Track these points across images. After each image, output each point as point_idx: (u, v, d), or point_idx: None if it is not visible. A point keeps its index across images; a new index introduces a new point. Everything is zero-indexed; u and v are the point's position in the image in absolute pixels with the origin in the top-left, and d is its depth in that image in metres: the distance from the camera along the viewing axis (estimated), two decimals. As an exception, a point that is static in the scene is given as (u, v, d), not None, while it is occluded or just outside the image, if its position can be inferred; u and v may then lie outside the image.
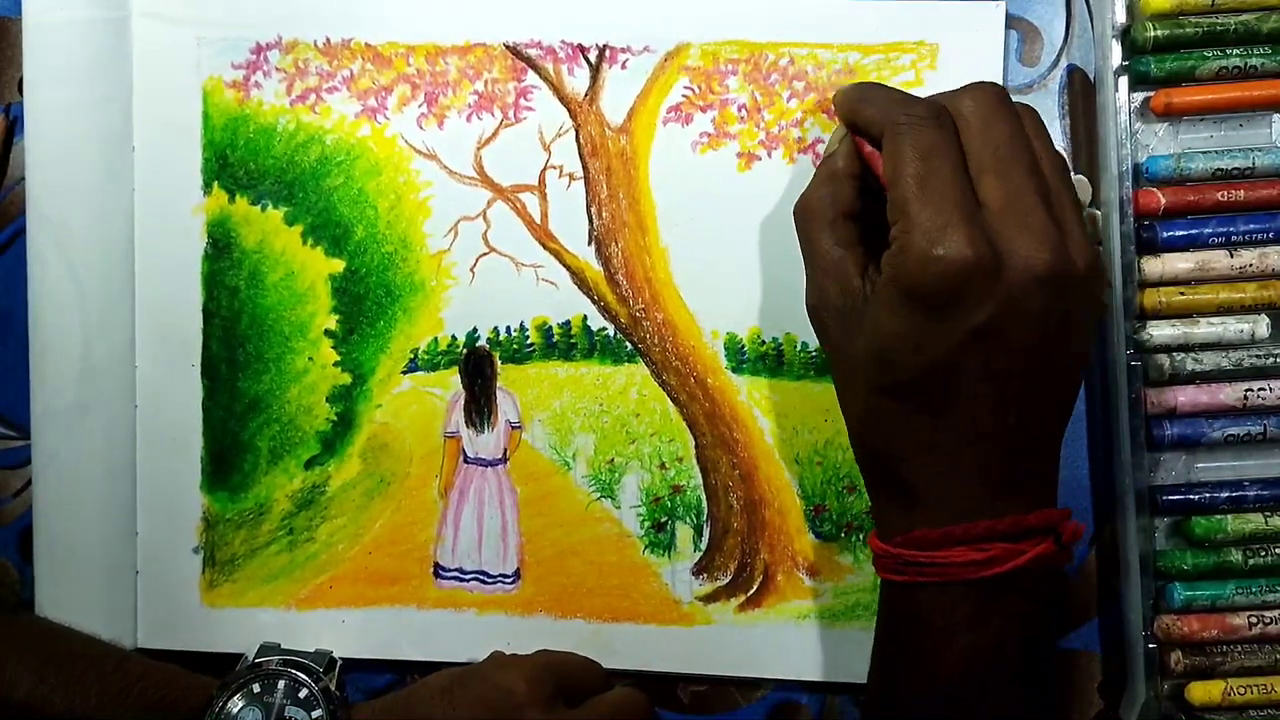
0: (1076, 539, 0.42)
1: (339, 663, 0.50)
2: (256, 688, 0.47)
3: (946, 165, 0.40)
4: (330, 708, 0.47)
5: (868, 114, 0.43)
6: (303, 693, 0.47)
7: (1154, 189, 0.49)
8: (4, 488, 0.55)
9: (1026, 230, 0.39)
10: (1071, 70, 0.52)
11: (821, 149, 0.51)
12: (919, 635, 0.42)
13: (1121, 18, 0.50)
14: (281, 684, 0.47)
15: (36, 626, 0.50)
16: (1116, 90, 0.50)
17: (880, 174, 0.42)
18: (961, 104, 0.41)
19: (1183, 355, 0.49)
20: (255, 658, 0.48)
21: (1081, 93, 0.52)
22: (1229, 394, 0.49)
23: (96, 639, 0.51)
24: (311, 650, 0.50)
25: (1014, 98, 0.51)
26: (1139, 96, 0.50)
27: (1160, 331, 0.49)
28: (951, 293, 0.39)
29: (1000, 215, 0.40)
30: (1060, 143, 0.52)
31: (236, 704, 0.46)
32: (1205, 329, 0.49)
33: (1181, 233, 0.49)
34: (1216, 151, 0.49)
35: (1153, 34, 0.49)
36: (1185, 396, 0.49)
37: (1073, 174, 0.44)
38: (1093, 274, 0.41)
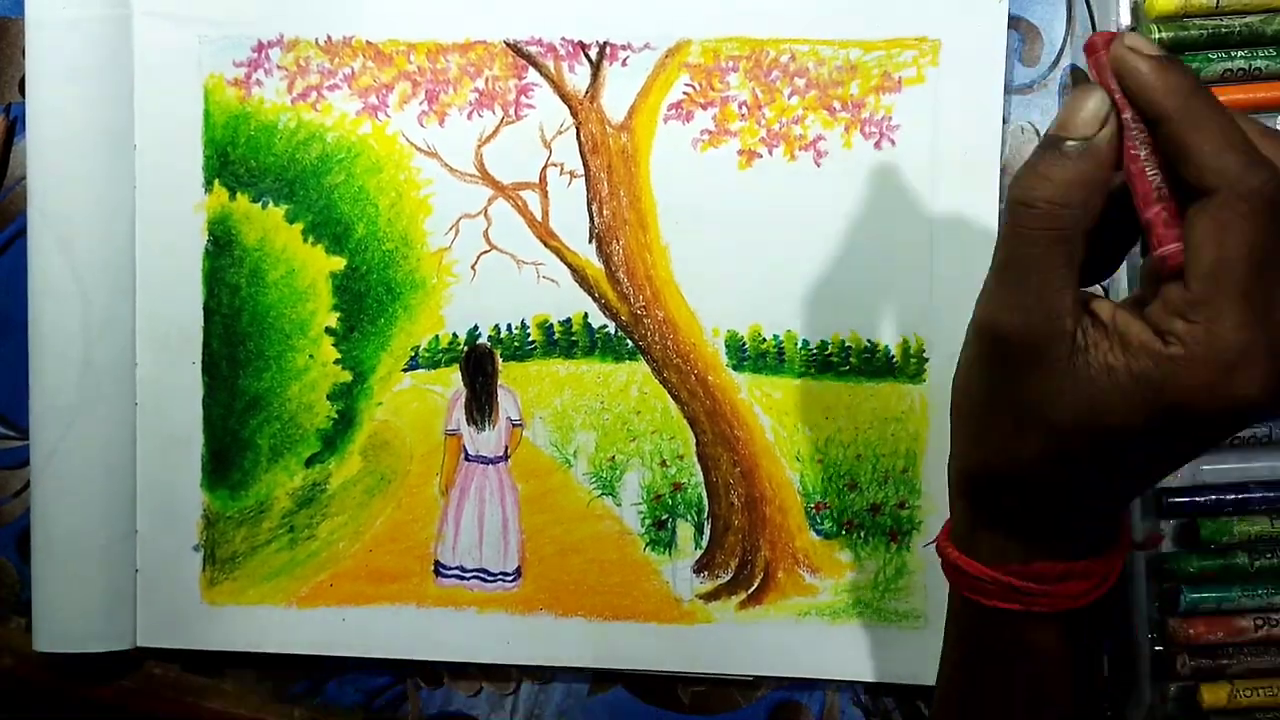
0: (1156, 545, 0.43)
1: None
2: None
3: (1273, 279, 0.32)
4: None
5: (1197, 144, 0.32)
6: None
7: None
8: (4, 488, 0.55)
9: None
10: (1072, 70, 0.52)
11: (823, 146, 0.51)
12: (1022, 662, 0.40)
13: (1126, 20, 0.50)
14: None
15: None
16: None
17: (1144, 206, 0.33)
18: None
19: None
20: None
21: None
22: None
23: None
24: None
25: (1014, 98, 0.51)
26: None
27: None
28: (1229, 430, 0.33)
29: None
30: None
31: None
32: None
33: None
34: (1223, 154, 0.49)
35: (1157, 36, 0.49)
36: None
37: None
38: None
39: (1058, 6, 0.52)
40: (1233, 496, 0.50)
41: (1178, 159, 0.32)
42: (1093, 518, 0.38)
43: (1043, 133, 0.51)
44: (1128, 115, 0.33)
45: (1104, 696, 0.44)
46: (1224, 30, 0.49)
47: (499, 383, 0.53)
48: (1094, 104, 0.34)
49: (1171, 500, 0.50)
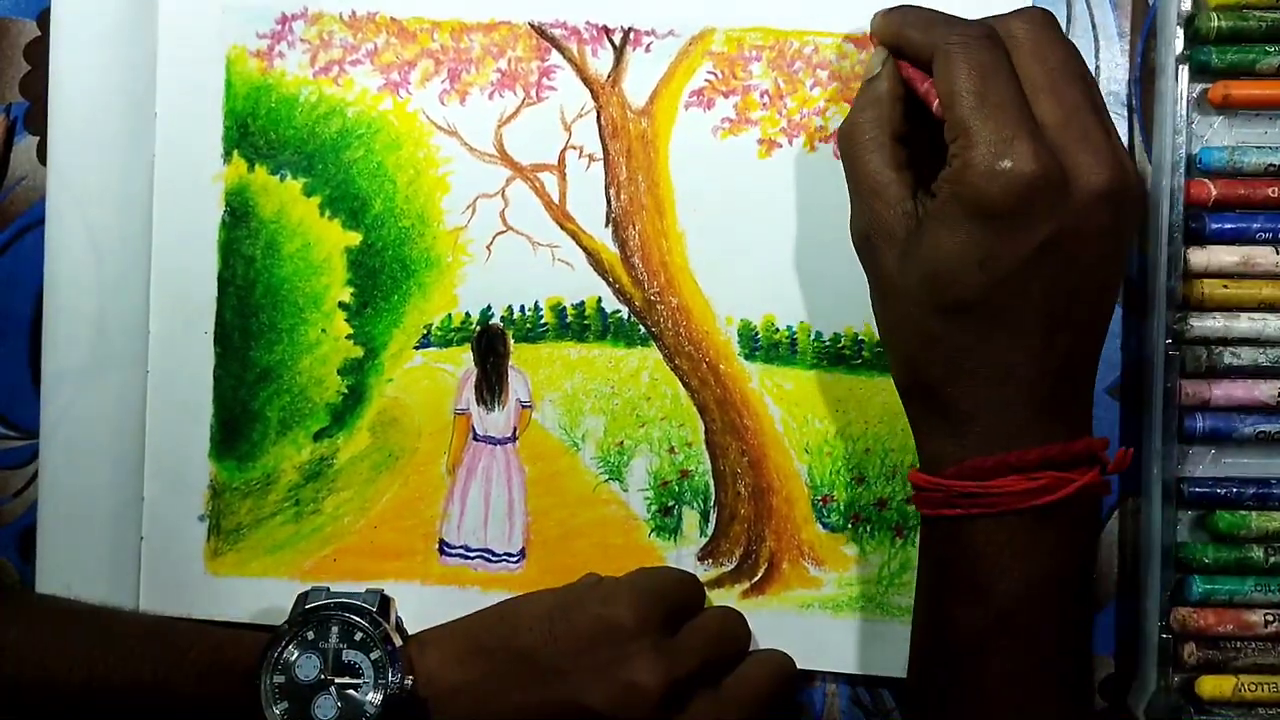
0: (1122, 468, 0.42)
1: (393, 601, 0.48)
2: (310, 634, 0.45)
3: (1004, 82, 0.40)
4: (388, 649, 0.45)
5: (913, 36, 0.43)
6: (358, 635, 0.45)
7: (1205, 180, 0.50)
8: (4, 488, 0.55)
9: (1088, 147, 0.40)
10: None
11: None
12: (972, 570, 0.41)
13: (1187, 5, 0.50)
14: (335, 628, 0.45)
15: (75, 610, 0.49)
16: (1176, 79, 0.49)
17: (924, 95, 0.43)
18: (1012, 26, 0.42)
19: (1221, 349, 0.50)
20: (307, 604, 0.47)
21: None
22: (1264, 391, 0.50)
23: (139, 614, 0.50)
24: (362, 590, 0.48)
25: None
26: (1197, 87, 0.50)
27: (1201, 323, 0.49)
28: (1019, 205, 0.39)
29: (1060, 132, 0.40)
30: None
31: (293, 653, 0.45)
32: (1246, 324, 0.49)
33: (1230, 226, 0.49)
34: (1271, 147, 0.50)
35: (1216, 25, 0.49)
36: (1220, 390, 0.50)
37: None
38: (1141, 192, 0.42)
39: (1058, 6, 0.52)
40: (1253, 491, 0.50)
41: (915, 53, 0.43)
42: (1002, 394, 0.41)
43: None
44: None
45: (1085, 648, 0.44)
46: (1283, 24, 0.49)
47: (510, 364, 0.53)
48: (875, 56, 0.45)
49: (1192, 490, 0.50)
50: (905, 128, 0.44)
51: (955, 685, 0.43)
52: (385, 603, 0.47)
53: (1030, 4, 0.48)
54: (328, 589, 0.48)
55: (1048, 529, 0.41)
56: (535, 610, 0.47)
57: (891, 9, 0.45)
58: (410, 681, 0.45)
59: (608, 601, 0.46)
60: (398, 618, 0.48)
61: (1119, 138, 0.41)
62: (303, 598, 0.48)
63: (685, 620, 0.48)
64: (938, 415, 0.43)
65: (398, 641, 0.46)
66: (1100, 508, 0.44)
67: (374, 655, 0.45)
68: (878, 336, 0.51)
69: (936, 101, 0.42)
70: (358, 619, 0.46)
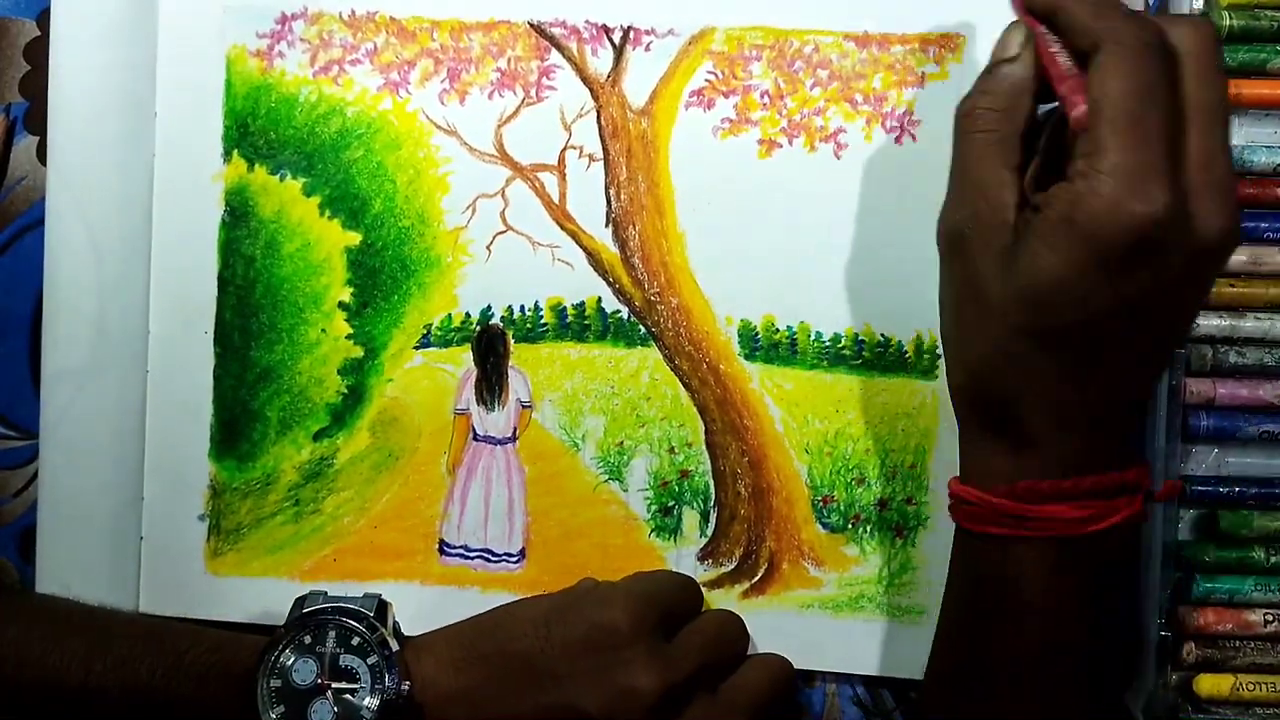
0: (1171, 498, 0.42)
1: (391, 606, 0.47)
2: (307, 638, 0.45)
3: (1163, 109, 0.36)
4: (384, 654, 0.45)
5: (1077, 16, 0.38)
6: (355, 640, 0.45)
7: None
8: (4, 488, 0.55)
9: (1218, 194, 0.37)
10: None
11: (844, 139, 0.51)
12: (1015, 591, 0.41)
13: (1199, 4, 0.50)
14: (331, 632, 0.45)
15: (73, 611, 0.49)
16: None
17: (1062, 96, 0.38)
18: (1183, 37, 0.38)
19: (1226, 348, 0.50)
20: (304, 608, 0.47)
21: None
22: (1269, 391, 0.50)
23: (138, 616, 0.50)
24: (360, 595, 0.48)
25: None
26: None
27: (1207, 322, 0.49)
28: (1137, 249, 0.36)
29: (1198, 173, 0.37)
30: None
31: (289, 657, 0.45)
32: (1252, 324, 0.49)
33: None
34: (1281, 148, 0.50)
35: (1228, 24, 0.49)
36: (1225, 389, 0.50)
37: None
38: (1235, 242, 0.39)
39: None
40: (1256, 491, 0.50)
41: (1071, 35, 0.38)
42: (1069, 421, 0.39)
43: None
44: (1042, 30, 0.39)
45: (1114, 666, 0.44)
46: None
47: (510, 364, 0.53)
48: (1013, 33, 0.40)
49: (1194, 488, 0.50)
50: (1030, 123, 0.40)
51: (989, 701, 0.42)
52: (383, 607, 0.47)
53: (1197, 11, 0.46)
54: (325, 593, 0.48)
55: (1092, 553, 0.40)
56: (531, 615, 0.47)
57: None
58: (407, 686, 0.45)
59: (603, 606, 0.46)
60: (395, 622, 0.48)
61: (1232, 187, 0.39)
62: (300, 602, 0.47)
63: (682, 624, 0.48)
64: (997, 431, 0.41)
65: (394, 646, 0.45)
66: (1139, 531, 0.44)
67: (371, 660, 0.45)
68: (878, 337, 0.51)
69: (1079, 109, 0.38)
70: (355, 624, 0.46)
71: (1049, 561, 0.40)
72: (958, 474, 0.43)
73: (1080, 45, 0.38)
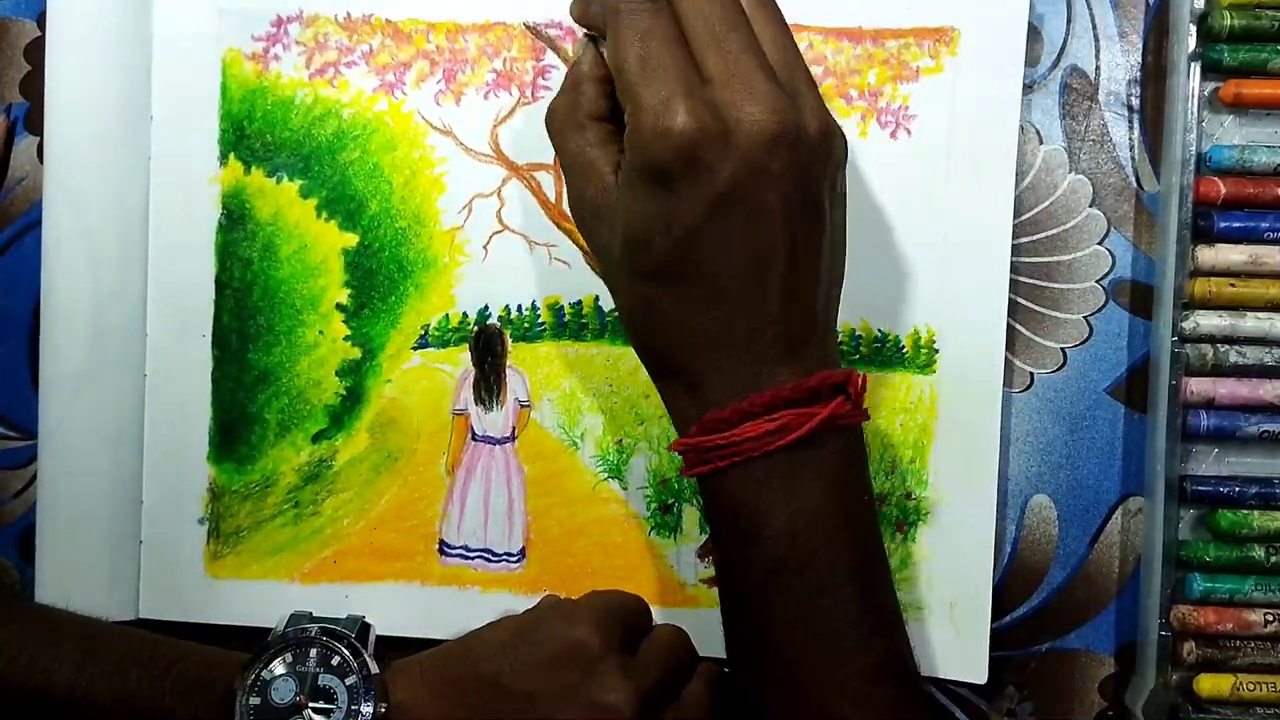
0: (863, 390, 0.42)
1: (373, 628, 0.48)
2: (289, 656, 0.45)
3: (664, 44, 0.41)
4: (363, 675, 0.45)
5: (592, 11, 0.44)
6: (335, 660, 0.45)
7: (1215, 178, 0.50)
8: (4, 488, 0.55)
9: (751, 97, 0.40)
10: (1071, 70, 0.52)
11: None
12: (737, 520, 0.42)
13: (1200, 3, 0.50)
14: (314, 651, 0.46)
15: (65, 619, 0.48)
16: (1188, 77, 0.50)
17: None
18: None
19: (1226, 347, 0.50)
20: (285, 626, 0.47)
21: (1081, 93, 0.52)
22: (1269, 390, 0.50)
23: (129, 629, 0.50)
24: (344, 616, 0.48)
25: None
26: (1209, 85, 0.50)
27: (1207, 321, 0.50)
28: (683, 163, 0.40)
29: (722, 86, 0.40)
30: (1060, 142, 0.52)
31: (270, 673, 0.45)
32: (1252, 323, 0.50)
33: (1238, 224, 0.50)
34: (1282, 147, 0.50)
35: (1229, 23, 0.49)
36: (1225, 389, 0.50)
37: None
38: (828, 132, 0.41)
39: (1058, 6, 0.52)
40: (1256, 490, 0.50)
41: (599, 31, 0.44)
42: (718, 348, 0.41)
43: (1044, 135, 0.52)
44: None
45: (886, 583, 0.44)
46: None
47: (508, 363, 0.53)
48: (580, 40, 0.46)
49: (1194, 488, 0.50)
50: (608, 106, 0.44)
51: (744, 632, 0.43)
52: (365, 630, 0.47)
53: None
54: (310, 613, 0.48)
55: (804, 466, 0.41)
56: (498, 637, 0.46)
57: None
58: (384, 709, 0.45)
59: (570, 623, 0.46)
60: (378, 647, 0.48)
61: (802, 85, 0.42)
62: (283, 620, 0.48)
63: (639, 640, 0.48)
64: (671, 378, 0.43)
65: (374, 669, 0.46)
66: (860, 437, 0.43)
67: (349, 681, 0.45)
68: (876, 332, 0.51)
69: None
70: (336, 644, 0.46)
71: (762, 481, 0.41)
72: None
73: (599, 28, 0.43)
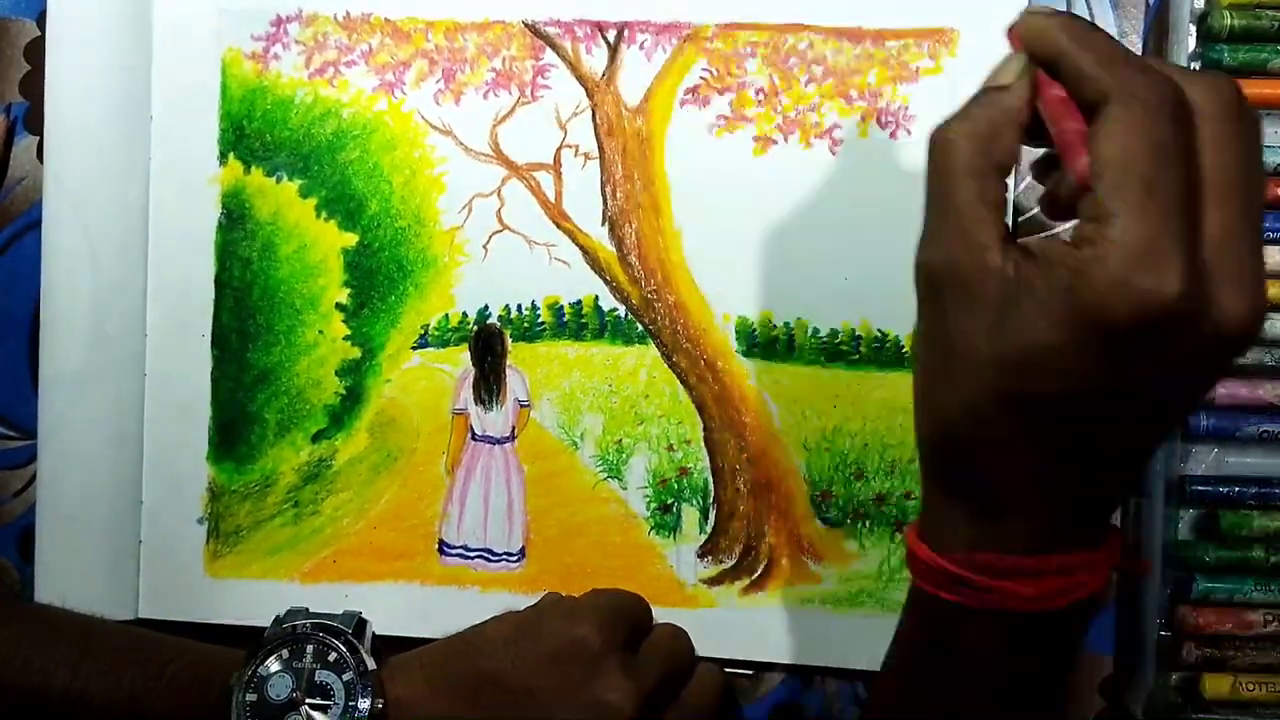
0: (1142, 574, 0.40)
1: (370, 624, 0.48)
2: (285, 653, 0.46)
3: (1180, 176, 0.32)
4: (360, 671, 0.45)
5: (1084, 65, 0.34)
6: (332, 656, 0.46)
7: None
8: (4, 488, 0.55)
9: (1239, 276, 0.33)
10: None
11: (839, 134, 0.51)
12: (963, 657, 0.38)
13: (1200, 3, 0.50)
14: (310, 648, 0.46)
15: (61, 618, 0.49)
16: None
17: (1060, 142, 0.34)
18: (1200, 96, 0.33)
19: (1227, 348, 0.50)
20: (283, 622, 0.47)
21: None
22: (1269, 390, 0.50)
23: (126, 627, 0.50)
24: (340, 612, 0.48)
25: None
26: None
27: None
28: (1137, 330, 0.32)
29: (1217, 251, 0.33)
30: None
31: (267, 669, 0.45)
32: None
33: None
34: (1281, 147, 0.50)
35: (1229, 23, 0.49)
36: (1224, 389, 0.50)
37: None
38: (1255, 332, 0.34)
39: (1058, 6, 0.52)
40: (1256, 490, 0.50)
41: (1076, 84, 0.34)
42: (1041, 496, 0.36)
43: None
44: (1041, 72, 0.35)
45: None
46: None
47: (507, 363, 0.53)
48: (1010, 61, 0.36)
49: (1194, 488, 0.50)
50: (1018, 161, 0.36)
51: None
52: (361, 625, 0.47)
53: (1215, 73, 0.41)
54: (306, 609, 0.48)
55: (1049, 628, 0.37)
56: (500, 632, 0.46)
57: (1058, 14, 0.35)
58: (380, 705, 0.45)
59: (571, 620, 0.46)
60: (375, 643, 0.48)
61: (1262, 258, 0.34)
62: (280, 617, 0.48)
63: (640, 639, 0.48)
64: (961, 494, 0.37)
65: (370, 665, 0.46)
66: (1097, 602, 0.41)
67: (346, 677, 0.45)
68: (875, 332, 0.51)
69: (1082, 160, 0.33)
70: (333, 640, 0.46)
71: (1002, 635, 0.37)
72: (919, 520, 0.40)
73: (1085, 96, 0.34)
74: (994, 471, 0.36)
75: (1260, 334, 0.38)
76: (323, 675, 0.45)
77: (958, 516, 0.37)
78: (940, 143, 0.36)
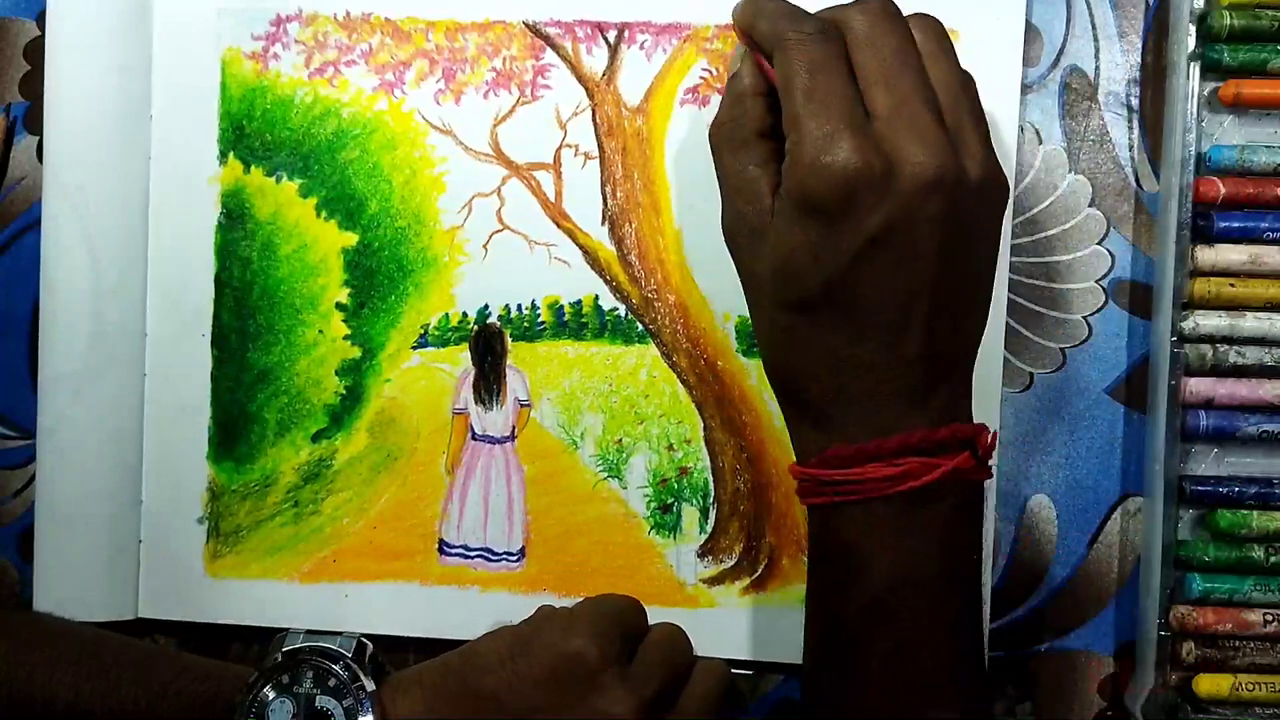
0: (991, 449, 0.42)
1: (369, 647, 0.48)
2: (286, 678, 0.46)
3: (833, 77, 0.40)
4: (360, 696, 0.45)
5: (761, 29, 0.43)
6: (332, 681, 0.46)
7: (1215, 178, 0.50)
8: (4, 488, 0.55)
9: (914, 137, 0.40)
10: (1071, 70, 0.52)
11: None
12: (845, 557, 0.42)
13: (1199, 3, 0.50)
14: (310, 673, 0.46)
15: (65, 632, 0.48)
16: (1187, 77, 0.50)
17: (777, 85, 0.42)
18: (849, 18, 0.42)
19: (1226, 347, 0.50)
20: (285, 645, 0.47)
21: (1080, 93, 0.52)
22: (1268, 390, 0.50)
23: (129, 640, 0.50)
24: (340, 633, 0.48)
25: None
26: (1208, 85, 0.50)
27: (1206, 321, 0.50)
28: (842, 200, 0.39)
29: (888, 124, 0.40)
30: (1059, 142, 0.52)
31: (268, 695, 0.46)
32: (1251, 323, 0.49)
33: (1238, 224, 0.50)
34: (1281, 147, 0.50)
35: (1229, 23, 0.49)
36: (1224, 389, 0.50)
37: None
38: (990, 181, 0.41)
39: (1058, 6, 0.52)
40: (1255, 490, 0.50)
41: (765, 47, 0.43)
42: (853, 386, 0.41)
43: (1043, 135, 0.52)
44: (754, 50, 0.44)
45: (978, 637, 0.44)
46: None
47: (508, 363, 0.53)
48: (738, 51, 0.45)
49: (1193, 488, 0.50)
50: (770, 122, 0.43)
51: (836, 671, 0.43)
52: (361, 648, 0.47)
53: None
54: (304, 632, 0.48)
55: (918, 515, 0.41)
56: (495, 649, 0.46)
57: (745, 0, 0.44)
58: None
59: (567, 634, 0.46)
60: (378, 660, 0.48)
61: (967, 127, 0.41)
62: (279, 640, 0.48)
63: (636, 643, 0.48)
64: (800, 407, 0.43)
65: (370, 687, 0.46)
66: (980, 493, 0.43)
67: (346, 702, 0.45)
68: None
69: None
70: (331, 665, 0.46)
71: (875, 524, 0.41)
72: None
73: (769, 52, 0.42)
74: (806, 376, 0.42)
75: (1003, 203, 0.43)
76: (323, 701, 0.46)
77: (806, 428, 0.43)
78: (712, 131, 0.45)
